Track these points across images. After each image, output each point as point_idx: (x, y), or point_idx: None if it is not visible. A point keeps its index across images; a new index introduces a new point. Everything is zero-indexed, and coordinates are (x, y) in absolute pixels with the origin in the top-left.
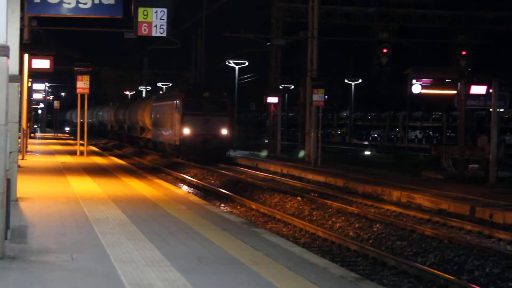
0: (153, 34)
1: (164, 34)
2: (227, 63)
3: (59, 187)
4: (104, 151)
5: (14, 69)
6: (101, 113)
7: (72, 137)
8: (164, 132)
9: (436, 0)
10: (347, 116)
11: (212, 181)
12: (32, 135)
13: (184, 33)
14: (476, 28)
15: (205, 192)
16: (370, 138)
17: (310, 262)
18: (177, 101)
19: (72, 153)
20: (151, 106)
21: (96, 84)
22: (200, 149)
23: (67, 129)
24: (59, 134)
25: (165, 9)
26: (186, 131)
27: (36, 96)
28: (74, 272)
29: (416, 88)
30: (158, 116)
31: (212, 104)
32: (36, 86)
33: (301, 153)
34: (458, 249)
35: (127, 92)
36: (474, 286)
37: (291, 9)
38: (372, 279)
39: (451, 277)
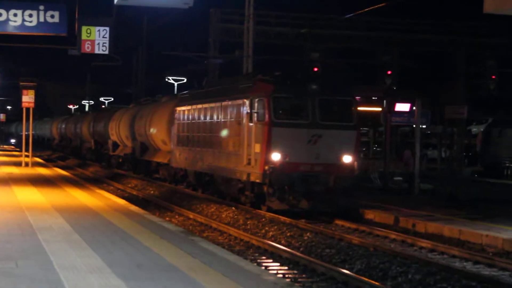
0: (96, 51)
1: (106, 52)
2: (166, 79)
3: (5, 197)
4: (49, 162)
5: None
6: (63, 126)
7: (17, 149)
8: (213, 157)
9: (364, 23)
10: None
11: (152, 192)
12: None
13: (125, 51)
14: (401, 50)
15: (145, 202)
16: None
17: (244, 269)
18: (256, 99)
19: (18, 164)
20: (171, 111)
21: (41, 98)
22: (301, 191)
23: (12, 141)
24: (4, 146)
25: (107, 28)
26: (276, 157)
27: None
28: (18, 278)
29: None
30: (194, 128)
31: (326, 106)
32: None
33: None
34: (383, 256)
35: (71, 106)
36: None
37: (227, 29)
38: (302, 284)
39: (376, 283)
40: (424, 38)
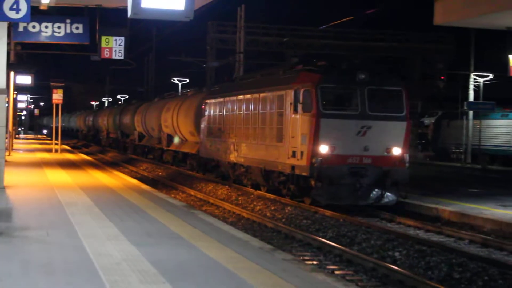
0: (113, 57)
1: (122, 57)
2: (172, 80)
3: (38, 177)
4: (74, 149)
5: (2, 84)
6: (91, 119)
7: (48, 138)
8: (249, 149)
9: (336, 33)
10: None
11: (160, 173)
12: (16, 136)
13: (138, 56)
14: (367, 55)
15: (154, 182)
16: None
17: (236, 237)
18: (301, 89)
19: (49, 150)
20: (198, 104)
21: (68, 96)
22: (347, 186)
23: (44, 131)
24: (38, 136)
25: (122, 37)
26: (324, 149)
27: (20, 105)
28: (49, 245)
29: None
30: (228, 119)
31: (375, 96)
32: (20, 97)
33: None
34: (351, 226)
35: (93, 102)
36: (362, 255)
37: (222, 39)
38: (283, 249)
39: (345, 248)
40: (386, 46)
